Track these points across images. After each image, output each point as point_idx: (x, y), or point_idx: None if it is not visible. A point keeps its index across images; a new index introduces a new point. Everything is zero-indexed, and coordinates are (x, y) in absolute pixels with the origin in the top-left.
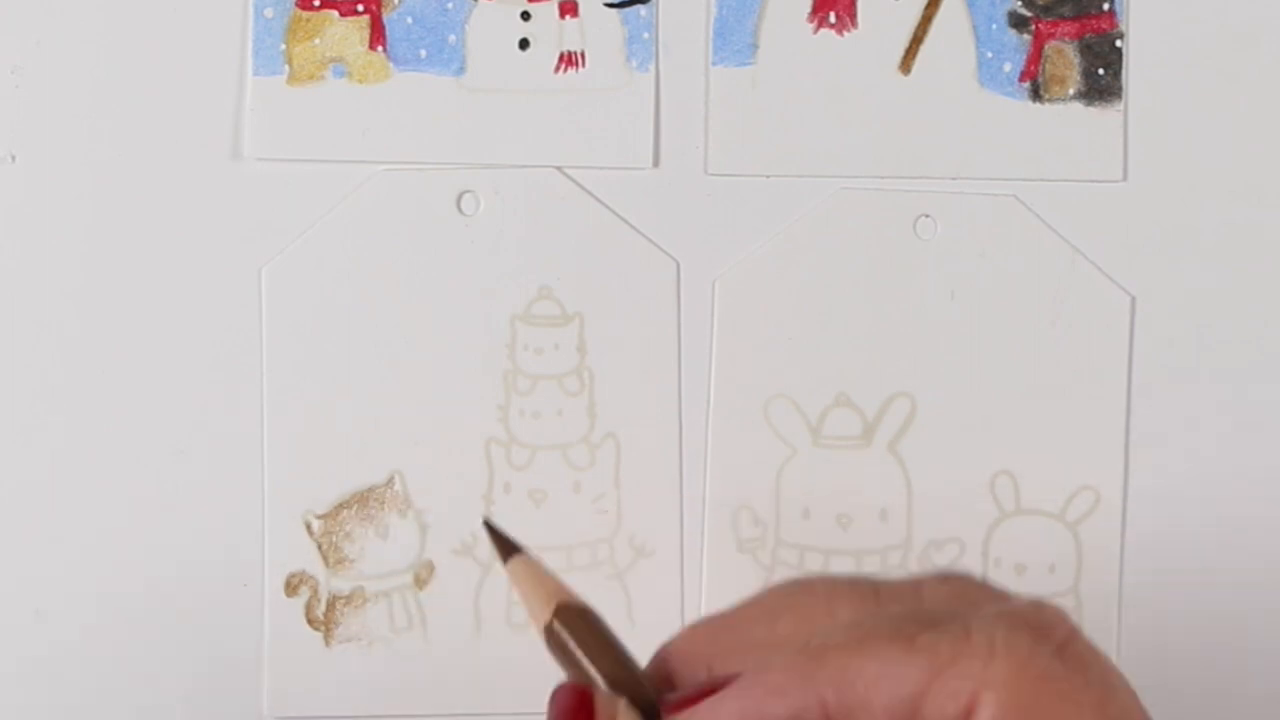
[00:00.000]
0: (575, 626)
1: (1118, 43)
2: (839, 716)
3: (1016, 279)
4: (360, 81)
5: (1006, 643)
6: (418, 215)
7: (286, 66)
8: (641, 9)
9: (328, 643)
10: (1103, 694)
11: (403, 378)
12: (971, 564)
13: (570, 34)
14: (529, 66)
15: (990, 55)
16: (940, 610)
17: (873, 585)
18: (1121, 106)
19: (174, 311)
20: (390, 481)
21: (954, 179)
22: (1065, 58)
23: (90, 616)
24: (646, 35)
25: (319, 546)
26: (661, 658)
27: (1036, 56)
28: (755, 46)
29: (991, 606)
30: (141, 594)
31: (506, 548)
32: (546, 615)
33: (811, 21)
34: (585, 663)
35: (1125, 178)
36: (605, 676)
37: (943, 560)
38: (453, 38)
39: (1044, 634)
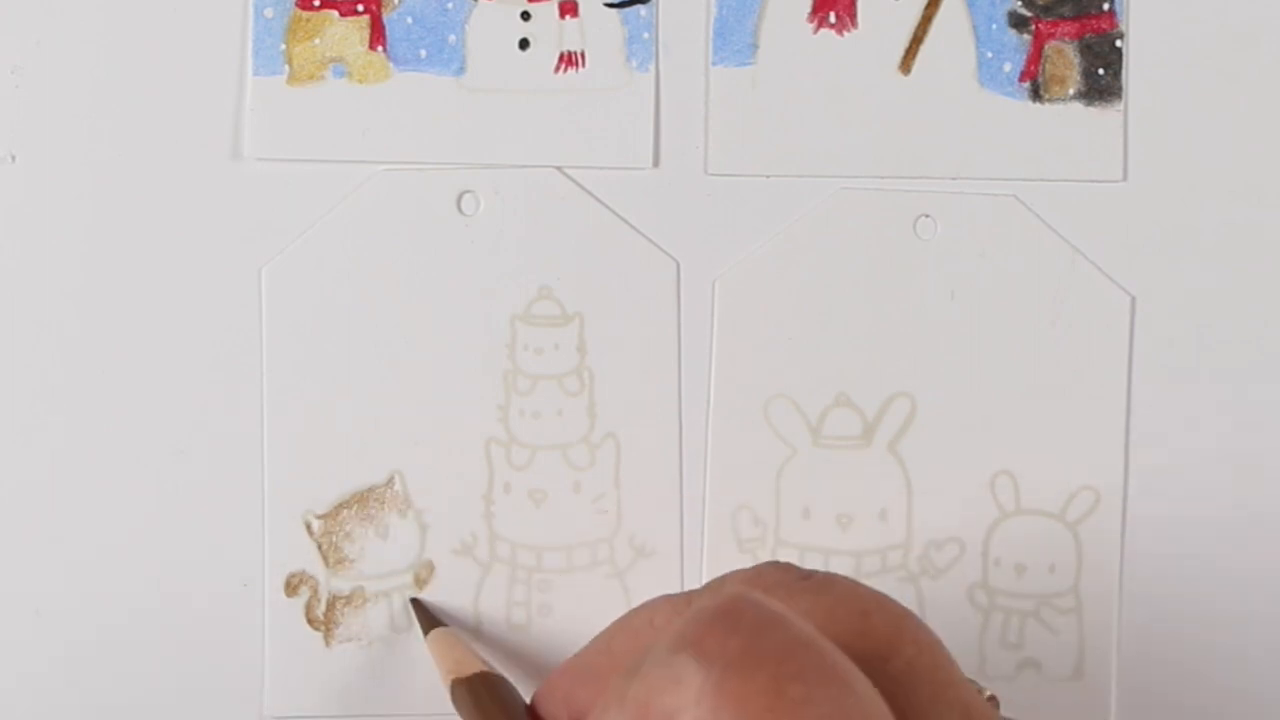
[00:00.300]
0: (465, 696)
1: (1118, 43)
2: None
3: (1016, 279)
4: (360, 81)
5: (678, 670)
6: (418, 215)
7: (286, 66)
8: (641, 9)
9: (328, 643)
10: (770, 683)
11: (403, 378)
12: (971, 564)
13: (570, 34)
14: (529, 66)
15: (990, 55)
16: (651, 647)
17: (687, 594)
18: (1121, 106)
19: (174, 311)
20: (390, 481)
21: (954, 179)
22: (1065, 58)
23: (90, 616)
24: (646, 35)
25: (319, 546)
26: (531, 706)
27: (1036, 56)
28: (755, 46)
29: (677, 623)
30: (141, 594)
31: (429, 623)
32: (446, 683)
33: (811, 21)
34: None
35: (1125, 178)
36: None
37: (942, 560)
38: (453, 38)
39: (708, 643)
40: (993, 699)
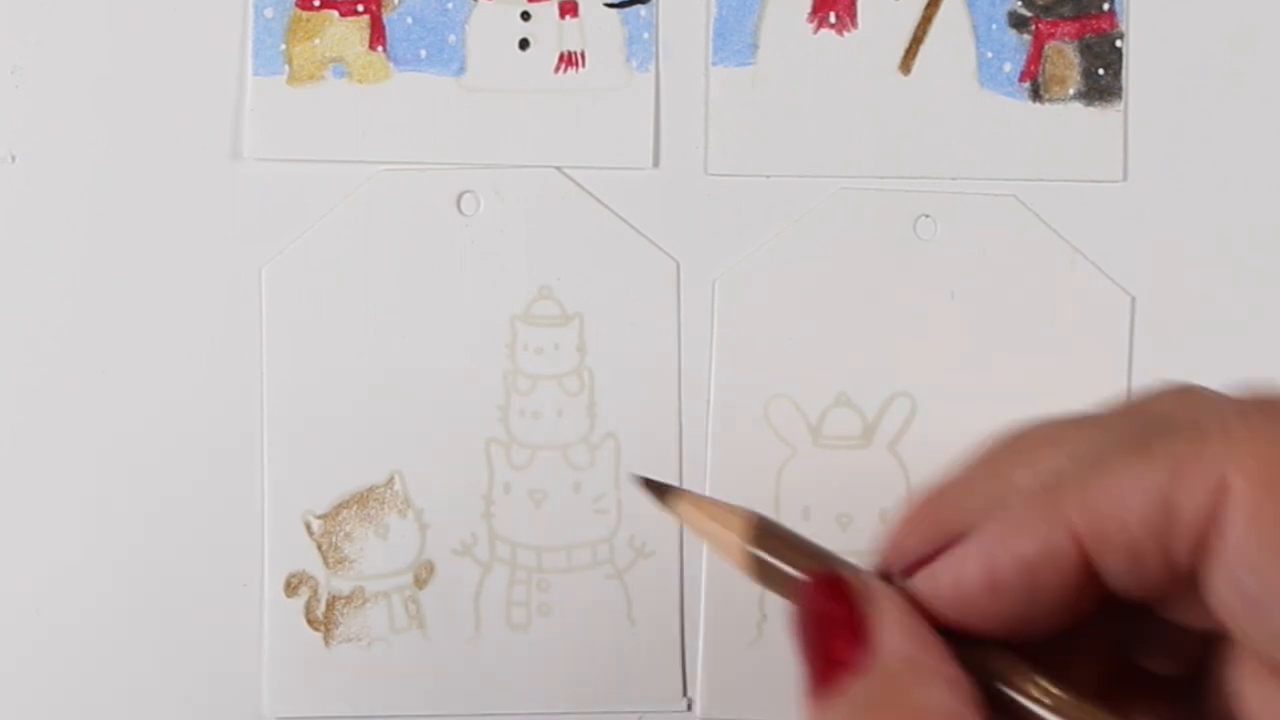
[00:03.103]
0: (771, 545)
1: (1118, 43)
2: (1093, 543)
3: (1016, 279)
4: (360, 81)
5: (1242, 426)
6: (418, 215)
7: (286, 66)
8: (641, 9)
9: (328, 643)
10: None
11: (403, 378)
12: None
13: (570, 34)
14: (529, 66)
15: (990, 55)
16: (1171, 416)
17: (1094, 416)
18: (1121, 106)
19: (174, 311)
20: (390, 481)
21: (954, 179)
22: (1065, 58)
23: (90, 616)
24: (646, 35)
25: (319, 546)
26: (882, 555)
27: (1036, 56)
28: (755, 46)
29: (1219, 402)
30: (141, 594)
31: (662, 492)
32: (740, 545)
33: (811, 21)
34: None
35: (1125, 178)
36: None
37: None
38: (453, 38)
39: (1276, 412)
40: None
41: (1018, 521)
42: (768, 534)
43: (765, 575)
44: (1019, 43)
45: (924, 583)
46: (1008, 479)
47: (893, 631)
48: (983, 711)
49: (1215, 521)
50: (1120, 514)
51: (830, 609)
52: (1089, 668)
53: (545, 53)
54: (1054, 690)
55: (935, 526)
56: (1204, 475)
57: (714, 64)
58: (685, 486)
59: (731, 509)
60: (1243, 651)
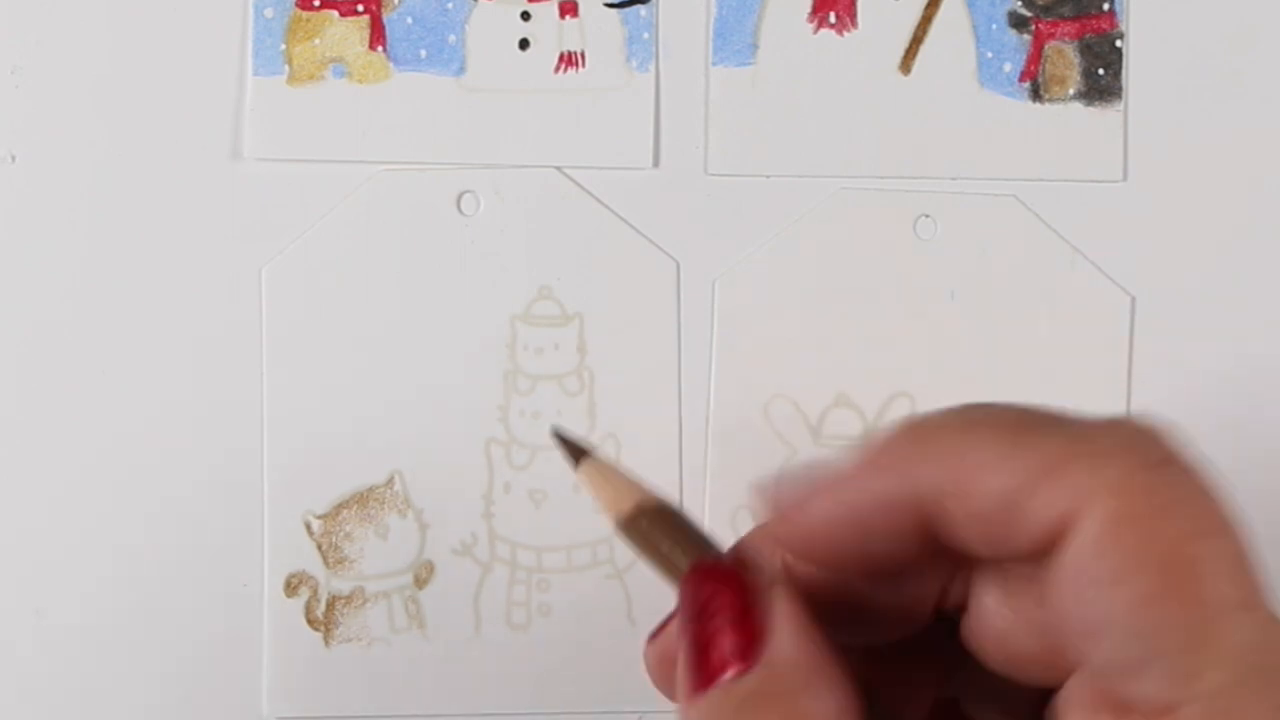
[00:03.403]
0: (657, 524)
1: (1118, 43)
2: (932, 505)
3: (1016, 279)
4: (360, 81)
5: (1119, 454)
6: (418, 215)
7: (286, 66)
8: (641, 9)
9: (328, 643)
10: (1208, 500)
11: (403, 378)
12: None
13: (570, 34)
14: (529, 66)
15: (990, 55)
16: (1065, 419)
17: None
18: (1121, 106)
19: (174, 311)
20: (390, 481)
21: (954, 179)
22: (1065, 58)
23: (90, 616)
24: (646, 35)
25: (319, 546)
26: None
27: (1036, 56)
28: (755, 46)
29: (1110, 426)
30: (141, 594)
31: (576, 452)
32: (622, 513)
33: (811, 21)
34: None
35: (1125, 178)
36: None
37: None
38: (453, 38)
39: (1152, 446)
40: None
41: (873, 461)
42: (661, 518)
43: (652, 558)
44: (1019, 43)
45: (780, 523)
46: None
47: (784, 630)
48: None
49: (1063, 534)
50: (970, 486)
51: (720, 601)
52: (921, 705)
53: (545, 53)
54: None
55: (809, 481)
56: (1065, 486)
57: (714, 64)
58: (598, 453)
59: (631, 486)
60: (1072, 696)
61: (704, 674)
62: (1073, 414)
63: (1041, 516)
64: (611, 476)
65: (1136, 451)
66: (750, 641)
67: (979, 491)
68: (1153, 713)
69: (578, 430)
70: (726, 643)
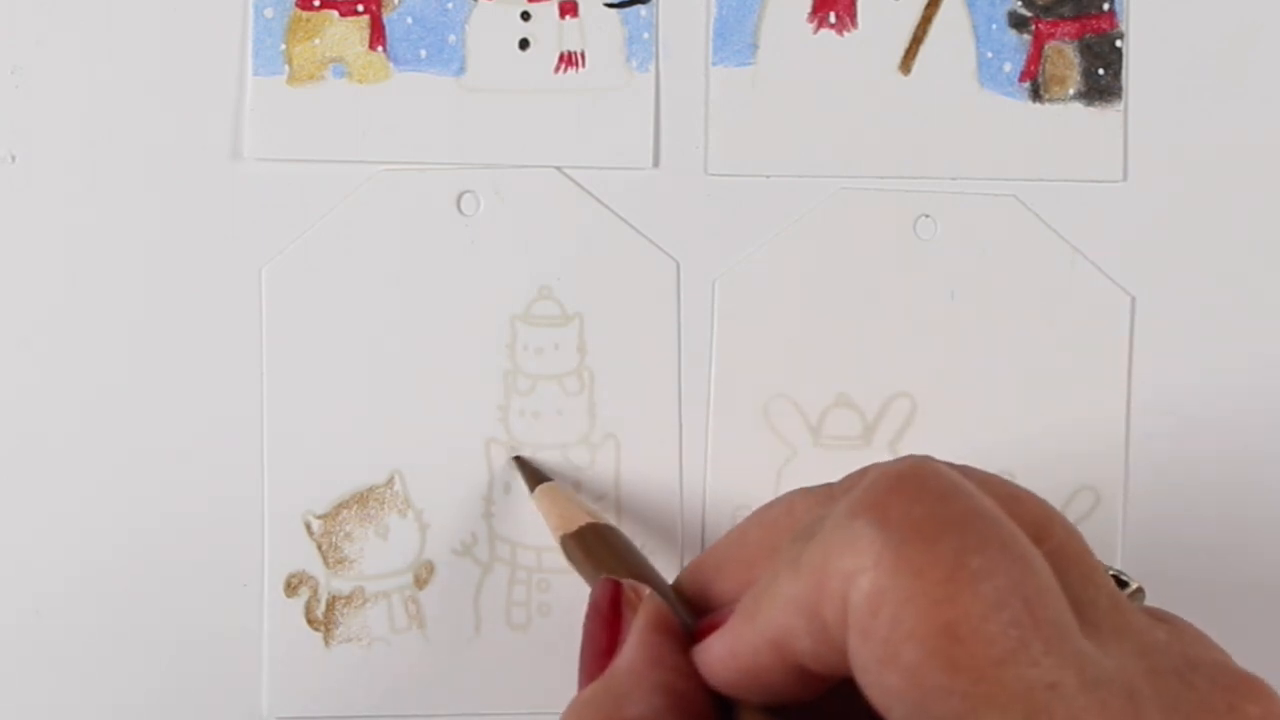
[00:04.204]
0: (591, 542)
1: (1118, 43)
2: (802, 640)
3: (1016, 279)
4: (360, 81)
5: (857, 534)
6: (418, 215)
7: (286, 66)
8: (641, 9)
9: (328, 643)
10: (952, 553)
11: (402, 378)
12: None
13: (570, 34)
14: (529, 66)
15: (990, 55)
16: (825, 515)
17: (824, 485)
18: (1121, 106)
19: (174, 311)
20: (390, 481)
21: (954, 179)
22: (1065, 58)
23: (90, 616)
24: (646, 35)
25: (319, 546)
26: (677, 582)
27: (1036, 56)
28: (755, 46)
29: (855, 499)
30: (141, 594)
31: (535, 478)
32: (555, 539)
33: (811, 21)
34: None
35: (1125, 178)
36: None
37: None
38: (453, 38)
39: (891, 507)
40: (1139, 591)
41: (732, 632)
42: (595, 539)
43: (583, 574)
44: (1019, 43)
45: (698, 655)
46: (753, 553)
47: (631, 640)
48: None
49: (845, 631)
50: (788, 628)
51: (601, 613)
52: None
53: (545, 53)
54: None
55: (702, 596)
56: (833, 584)
57: (714, 64)
58: (552, 481)
59: (579, 512)
60: None
61: (581, 676)
62: (847, 484)
63: (832, 624)
64: (561, 501)
65: (888, 515)
66: (608, 651)
67: (801, 628)
68: None
69: (578, 430)
70: (595, 651)
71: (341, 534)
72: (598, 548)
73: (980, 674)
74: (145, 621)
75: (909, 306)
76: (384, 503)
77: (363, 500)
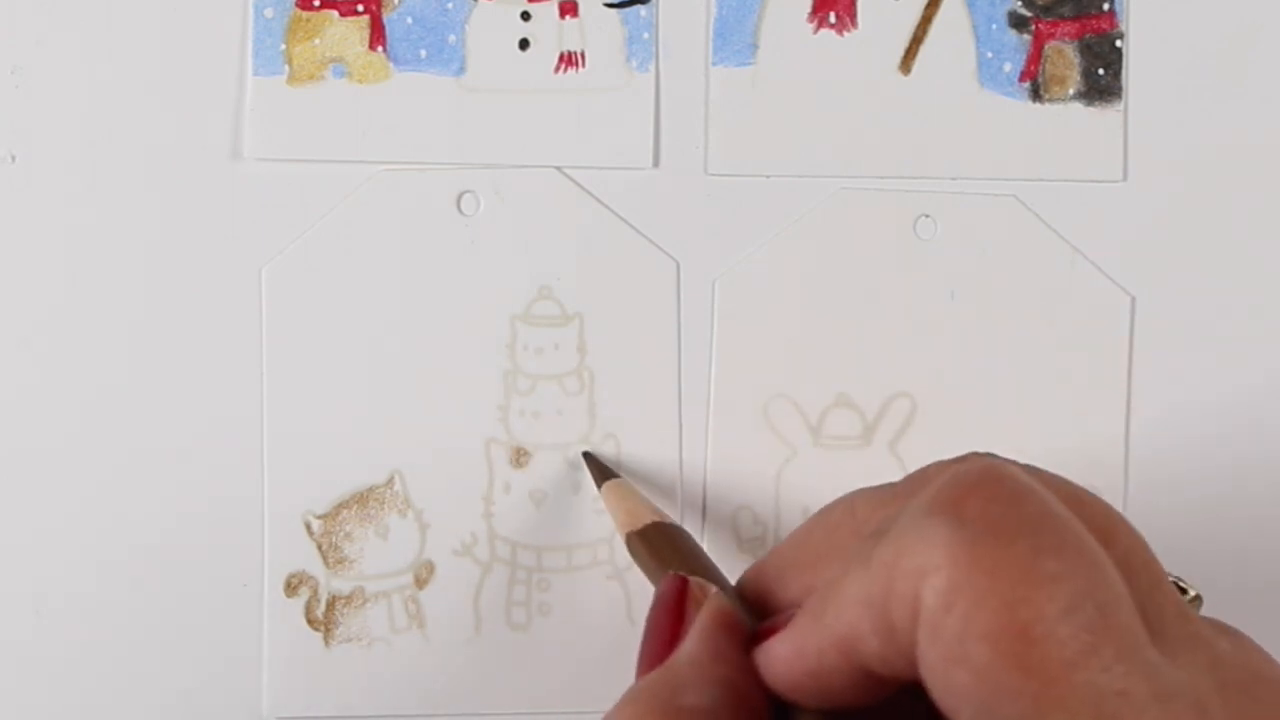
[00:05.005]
0: (656, 541)
1: (1118, 43)
2: (853, 650)
3: (1016, 279)
4: (360, 81)
5: (932, 533)
6: (418, 215)
7: (286, 66)
8: (641, 9)
9: (328, 643)
10: (1027, 554)
11: (402, 378)
12: None
13: (570, 34)
14: (529, 66)
15: (990, 55)
16: (897, 514)
17: (886, 485)
18: (1121, 106)
19: (174, 311)
20: (390, 481)
21: (954, 179)
22: (1065, 58)
23: (90, 616)
24: (646, 35)
25: (319, 546)
26: (738, 585)
27: (1036, 56)
28: (755, 46)
29: (929, 498)
30: (141, 594)
31: (602, 474)
32: (621, 535)
33: (811, 21)
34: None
35: (1125, 178)
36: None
37: None
38: (453, 38)
39: (966, 507)
40: (1198, 598)
41: (799, 631)
42: (660, 537)
43: (647, 571)
44: (1019, 43)
45: (760, 655)
46: (815, 555)
47: (694, 634)
48: None
49: (914, 632)
50: (856, 628)
51: (666, 607)
52: None
53: (545, 53)
54: None
55: (766, 599)
56: (904, 583)
57: (714, 64)
58: (620, 477)
59: (645, 510)
60: None
61: (640, 667)
62: (912, 486)
63: (902, 625)
64: (628, 498)
65: (943, 531)
66: (670, 643)
67: (868, 628)
68: None
69: (578, 430)
70: (657, 642)
71: (341, 534)
72: (662, 546)
73: (1051, 677)
74: (145, 621)
75: (909, 306)
76: (384, 503)
77: (363, 500)
